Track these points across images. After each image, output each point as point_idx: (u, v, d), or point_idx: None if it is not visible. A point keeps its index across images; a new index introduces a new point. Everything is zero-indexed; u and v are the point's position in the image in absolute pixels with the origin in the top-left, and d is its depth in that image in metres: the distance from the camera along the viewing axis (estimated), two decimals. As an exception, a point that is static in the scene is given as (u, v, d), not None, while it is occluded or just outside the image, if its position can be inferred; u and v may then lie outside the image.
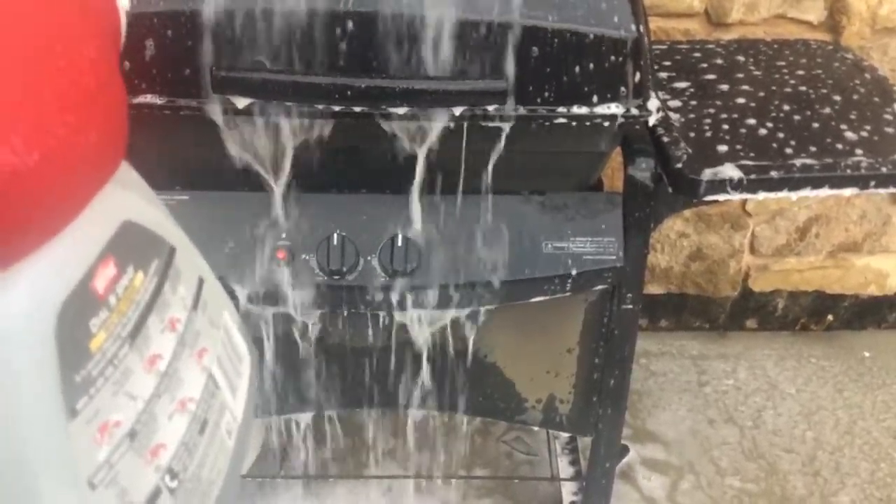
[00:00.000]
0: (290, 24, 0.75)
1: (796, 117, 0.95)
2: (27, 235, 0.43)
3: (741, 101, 0.99)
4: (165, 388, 0.52)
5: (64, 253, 0.45)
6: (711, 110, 0.97)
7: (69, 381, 0.44)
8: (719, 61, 1.10)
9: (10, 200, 0.40)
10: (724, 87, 1.03)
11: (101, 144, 0.47)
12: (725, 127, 0.93)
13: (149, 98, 0.78)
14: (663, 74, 1.06)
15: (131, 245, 0.51)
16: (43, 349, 0.43)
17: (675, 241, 1.62)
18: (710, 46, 1.15)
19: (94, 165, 0.47)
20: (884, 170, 0.87)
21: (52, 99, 0.43)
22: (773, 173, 0.86)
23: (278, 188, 0.86)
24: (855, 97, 1.00)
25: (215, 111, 0.79)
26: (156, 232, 0.54)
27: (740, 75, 1.06)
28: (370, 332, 0.98)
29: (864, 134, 0.92)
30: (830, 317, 1.76)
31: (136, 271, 0.50)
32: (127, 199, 0.52)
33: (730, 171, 0.85)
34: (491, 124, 0.81)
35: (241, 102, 0.77)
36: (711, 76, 1.06)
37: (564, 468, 1.35)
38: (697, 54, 1.13)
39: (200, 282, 0.59)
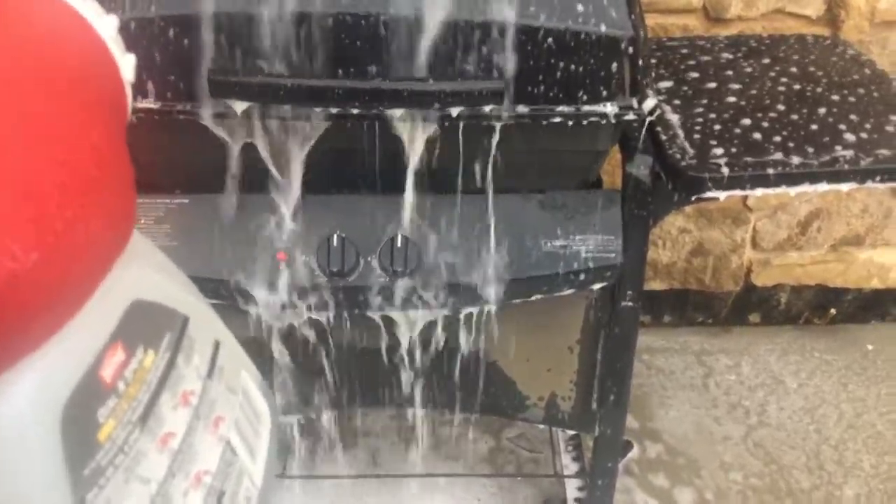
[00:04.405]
0: (287, 27, 0.75)
1: (793, 116, 0.95)
2: (28, 335, 0.40)
3: (733, 99, 0.99)
4: (179, 465, 0.49)
5: (68, 346, 0.42)
6: (706, 109, 0.97)
7: (77, 476, 0.42)
8: (709, 58, 1.10)
9: (9, 304, 0.37)
10: (713, 84, 1.02)
11: (104, 230, 0.43)
12: (722, 125, 0.93)
13: (146, 103, 0.79)
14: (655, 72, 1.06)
15: (141, 325, 0.47)
16: (49, 448, 0.41)
17: (676, 236, 1.62)
18: (702, 43, 1.15)
19: (98, 252, 0.43)
20: (882, 166, 0.87)
21: (51, 195, 0.38)
22: (771, 170, 0.86)
23: (278, 190, 0.86)
24: (852, 99, 0.99)
25: (213, 115, 0.79)
26: (167, 305, 0.50)
27: (733, 73, 1.06)
28: (370, 332, 0.98)
29: (864, 134, 0.92)
30: (833, 310, 1.75)
31: (147, 351, 0.47)
32: (135, 275, 0.48)
33: (727, 167, 0.85)
34: (488, 124, 0.81)
35: (240, 107, 0.78)
36: (702, 73, 1.06)
37: (568, 465, 1.36)
38: (686, 50, 1.13)
39: (216, 346, 0.55)
